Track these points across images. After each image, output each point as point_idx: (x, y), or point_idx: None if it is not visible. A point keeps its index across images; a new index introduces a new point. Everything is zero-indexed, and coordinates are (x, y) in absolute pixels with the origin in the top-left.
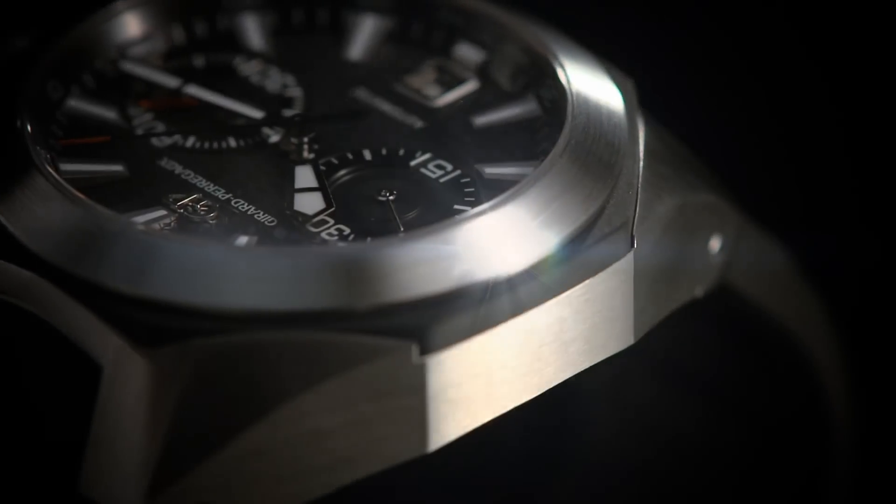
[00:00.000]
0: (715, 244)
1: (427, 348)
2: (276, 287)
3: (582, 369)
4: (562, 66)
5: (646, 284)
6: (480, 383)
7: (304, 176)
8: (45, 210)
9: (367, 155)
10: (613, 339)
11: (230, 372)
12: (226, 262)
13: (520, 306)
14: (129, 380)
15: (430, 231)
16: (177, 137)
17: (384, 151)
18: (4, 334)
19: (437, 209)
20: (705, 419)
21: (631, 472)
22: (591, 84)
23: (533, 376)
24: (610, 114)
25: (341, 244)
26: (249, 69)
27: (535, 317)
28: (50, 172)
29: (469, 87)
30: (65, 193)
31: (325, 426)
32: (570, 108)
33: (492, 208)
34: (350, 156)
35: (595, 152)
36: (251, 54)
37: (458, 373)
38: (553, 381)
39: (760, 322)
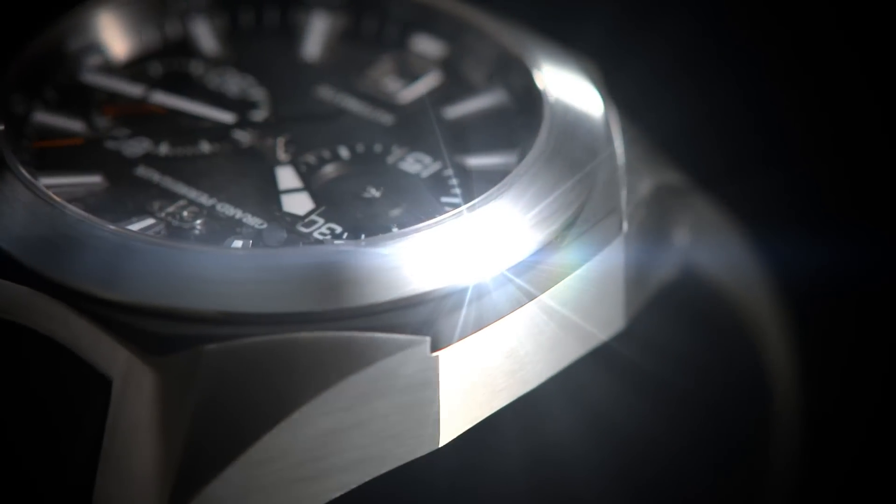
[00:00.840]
0: (683, 230)
1: (439, 343)
2: (287, 288)
3: (579, 357)
4: (529, 55)
5: (633, 269)
6: (488, 375)
7: (287, 177)
8: (37, 223)
9: (345, 153)
10: (605, 324)
11: (244, 375)
12: (235, 267)
13: (519, 298)
14: (140, 391)
15: (429, 226)
16: (149, 145)
17: (361, 149)
18: (6, 354)
19: (423, 204)
20: (664, 417)
21: (593, 469)
22: (560, 72)
23: (535, 365)
24: (584, 102)
25: (351, 244)
26: (207, 73)
27: (534, 307)
28: (33, 184)
29: (433, 80)
30: (54, 205)
31: (341, 425)
32: (545, 98)
33: (484, 202)
34: (328, 155)
35: (575, 139)
36: (207, 59)
37: (468, 365)
38: (550, 372)
39: (718, 314)
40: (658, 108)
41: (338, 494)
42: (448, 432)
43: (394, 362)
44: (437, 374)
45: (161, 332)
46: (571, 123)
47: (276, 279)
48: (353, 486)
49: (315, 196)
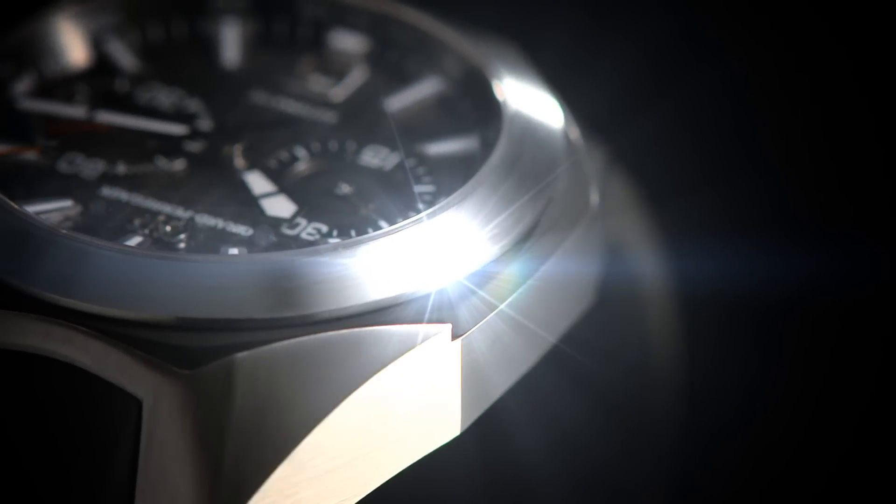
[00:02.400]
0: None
1: (458, 330)
2: (308, 290)
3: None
4: (450, 41)
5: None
6: (499, 357)
7: (259, 182)
8: (36, 251)
9: (304, 154)
10: (575, 306)
11: (279, 379)
12: (256, 273)
13: (517, 280)
14: (172, 406)
15: (420, 221)
16: (105, 166)
17: (318, 149)
18: (31, 387)
19: (396, 195)
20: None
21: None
22: (476, 50)
23: (534, 339)
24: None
25: (350, 243)
26: (136, 90)
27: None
28: (19, 210)
29: (361, 74)
30: (48, 229)
31: (374, 418)
32: (490, 82)
33: (465, 193)
34: (289, 157)
35: (536, 132)
36: (130, 76)
37: (482, 351)
38: (548, 342)
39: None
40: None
41: (371, 489)
42: (465, 419)
43: (420, 351)
44: (460, 360)
45: (189, 344)
46: (528, 111)
47: (297, 282)
48: (385, 479)
49: (293, 198)
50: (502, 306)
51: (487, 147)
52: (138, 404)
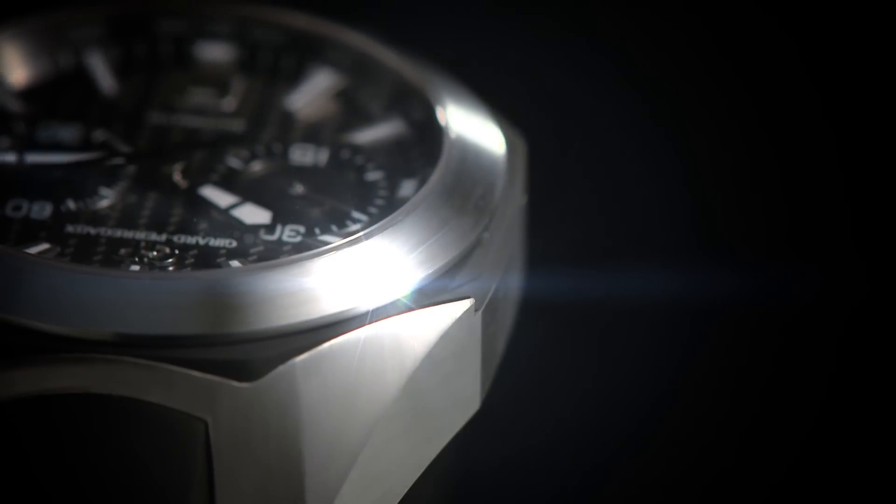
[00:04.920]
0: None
1: (478, 305)
2: (344, 289)
3: None
4: (326, 32)
5: None
6: (501, 327)
7: (218, 196)
8: (60, 290)
9: (237, 163)
10: None
11: (338, 376)
12: (296, 277)
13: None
14: (238, 422)
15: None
16: (51, 206)
17: (249, 156)
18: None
19: (347, 187)
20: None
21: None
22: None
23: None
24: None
25: (360, 239)
26: (36, 129)
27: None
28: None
29: (243, 81)
30: (59, 267)
31: (420, 398)
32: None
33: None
34: (226, 170)
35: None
36: (18, 116)
37: (491, 323)
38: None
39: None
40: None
41: (422, 470)
42: (482, 394)
43: (454, 327)
44: (480, 334)
45: (245, 357)
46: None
47: (334, 282)
48: (430, 461)
49: (261, 204)
50: (497, 282)
51: (416, 128)
52: (204, 426)
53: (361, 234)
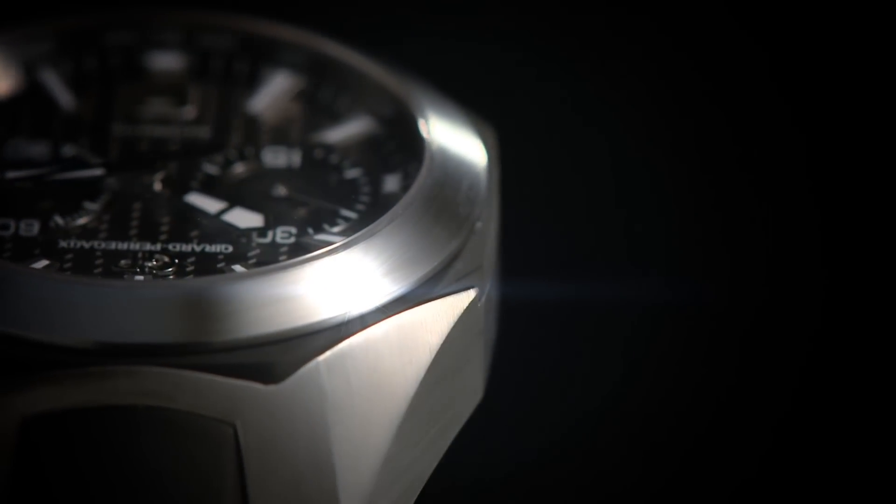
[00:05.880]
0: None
1: (480, 294)
2: (359, 286)
3: None
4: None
5: None
6: (490, 322)
7: (205, 202)
8: (78, 304)
9: (214, 170)
10: None
11: (361, 370)
12: (314, 278)
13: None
14: (267, 423)
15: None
16: (39, 224)
17: (223, 161)
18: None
19: (327, 186)
20: None
21: None
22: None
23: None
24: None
25: (365, 235)
26: (4, 147)
27: None
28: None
29: (199, 89)
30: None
31: (438, 386)
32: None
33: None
34: (204, 177)
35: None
36: None
37: (488, 312)
38: None
39: None
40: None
41: (439, 460)
42: (484, 384)
43: (463, 317)
44: (482, 324)
45: (270, 360)
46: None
47: (351, 283)
48: (444, 452)
49: (250, 207)
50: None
51: (386, 124)
52: (233, 430)
53: (375, 228)
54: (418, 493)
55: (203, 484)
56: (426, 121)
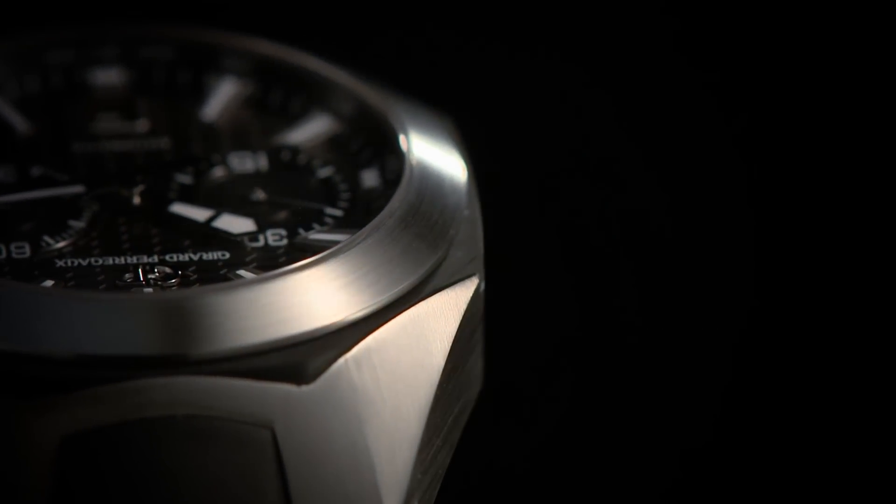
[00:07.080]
0: None
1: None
2: (373, 282)
3: None
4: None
5: None
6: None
7: (191, 211)
8: (99, 317)
9: (187, 179)
10: None
11: (388, 364)
12: (330, 278)
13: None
14: (303, 423)
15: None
16: (29, 245)
17: (194, 170)
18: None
19: (307, 187)
20: None
21: None
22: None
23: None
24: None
25: (362, 235)
26: None
27: None
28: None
29: (147, 101)
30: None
31: (452, 379)
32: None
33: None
34: (180, 185)
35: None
36: None
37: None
38: None
39: None
40: None
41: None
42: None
43: (470, 305)
44: (483, 311)
45: (300, 360)
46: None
47: (364, 278)
48: (457, 441)
49: (238, 213)
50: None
51: (346, 121)
52: (272, 434)
53: (386, 222)
54: (439, 484)
55: (246, 489)
56: (394, 114)
